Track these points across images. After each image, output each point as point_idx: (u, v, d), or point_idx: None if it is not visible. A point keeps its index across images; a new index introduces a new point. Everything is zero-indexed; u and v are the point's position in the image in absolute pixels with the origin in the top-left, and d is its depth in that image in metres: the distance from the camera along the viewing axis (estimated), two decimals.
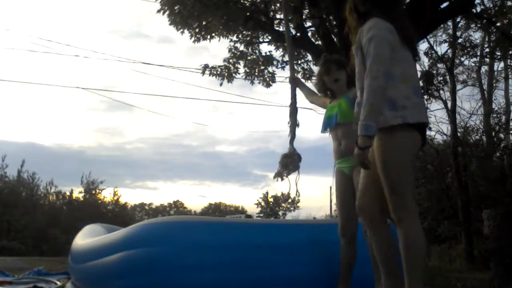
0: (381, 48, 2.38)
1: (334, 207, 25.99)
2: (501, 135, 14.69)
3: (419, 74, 12.53)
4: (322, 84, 3.55)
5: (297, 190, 3.69)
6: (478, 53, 14.51)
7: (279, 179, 3.68)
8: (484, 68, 16.17)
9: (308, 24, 8.93)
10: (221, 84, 10.24)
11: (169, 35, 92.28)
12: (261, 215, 50.43)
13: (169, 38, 77.51)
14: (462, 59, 14.60)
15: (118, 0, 54.33)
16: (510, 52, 12.16)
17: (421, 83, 11.65)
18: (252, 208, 53.23)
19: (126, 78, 62.48)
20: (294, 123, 3.82)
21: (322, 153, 42.52)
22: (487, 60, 15.39)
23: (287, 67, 10.87)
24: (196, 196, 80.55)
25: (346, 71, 3.43)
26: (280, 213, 52.71)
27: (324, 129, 3.43)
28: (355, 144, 2.40)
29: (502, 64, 16.28)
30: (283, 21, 9.54)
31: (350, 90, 3.34)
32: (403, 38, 2.50)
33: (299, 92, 3.93)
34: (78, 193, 22.95)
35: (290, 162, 3.68)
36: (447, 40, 13.72)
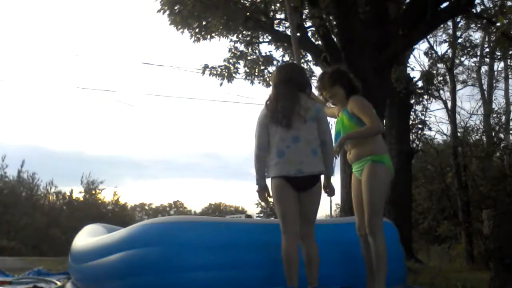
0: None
1: (334, 207, 26.00)
2: (501, 135, 14.70)
3: (419, 74, 12.56)
4: (324, 98, 3.71)
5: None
6: (478, 53, 14.51)
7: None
8: (484, 68, 16.20)
9: (308, 24, 8.93)
10: (221, 84, 10.24)
11: (171, 35, 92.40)
12: (261, 215, 50.40)
13: (171, 38, 77.51)
14: (462, 59, 14.61)
15: (119, 0, 54.34)
16: (510, 52, 12.16)
17: (421, 83, 11.67)
18: (252, 208, 53.23)
19: (128, 78, 62.41)
20: None
21: None
22: (487, 60, 15.40)
23: None
24: (197, 196, 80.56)
25: (341, 83, 3.51)
26: None
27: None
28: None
29: (502, 64, 16.30)
30: (287, 22, 9.59)
31: (349, 101, 3.46)
32: None
33: None
34: (78, 193, 22.93)
35: None
36: (447, 40, 13.73)
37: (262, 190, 3.31)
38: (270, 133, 3.23)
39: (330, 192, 3.35)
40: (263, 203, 3.25)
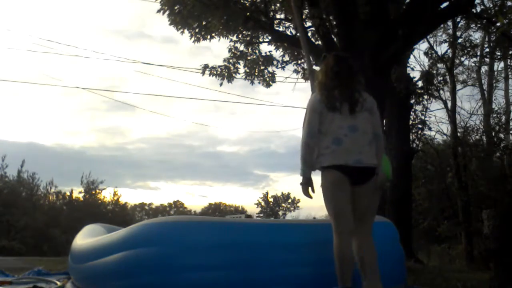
0: None
1: None
2: (501, 135, 14.70)
3: (419, 74, 12.57)
4: None
5: None
6: (478, 53, 14.51)
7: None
8: (484, 68, 16.18)
9: (308, 24, 8.93)
10: (221, 84, 10.25)
11: (172, 35, 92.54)
12: (261, 215, 50.46)
13: (172, 38, 77.55)
14: (462, 59, 14.61)
15: (120, 0, 54.31)
16: (510, 52, 12.16)
17: (421, 83, 11.67)
18: (252, 208, 53.25)
19: (128, 78, 62.36)
20: None
21: None
22: (487, 60, 15.39)
23: (287, 67, 10.89)
24: (197, 196, 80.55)
25: None
26: (280, 213, 52.74)
27: None
28: None
29: (502, 64, 16.29)
30: (287, 22, 9.57)
31: None
32: None
33: None
34: (78, 193, 22.96)
35: None
36: (447, 40, 13.73)
37: (307, 183, 3.13)
38: (323, 120, 3.07)
39: (380, 188, 3.18)
40: (305, 197, 3.18)
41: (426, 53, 13.49)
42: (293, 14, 7.15)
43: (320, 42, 8.42)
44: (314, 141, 3.09)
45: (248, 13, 8.58)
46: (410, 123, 11.16)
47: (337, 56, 3.28)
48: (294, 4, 4.96)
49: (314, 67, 9.95)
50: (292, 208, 54.25)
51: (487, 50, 14.52)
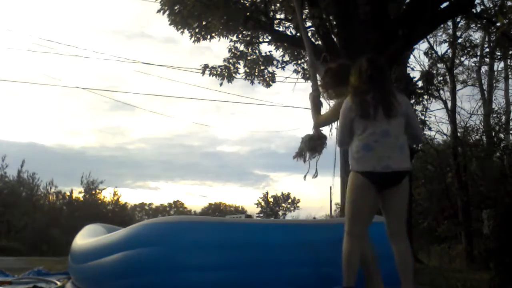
0: None
1: (334, 207, 26.00)
2: (501, 135, 14.69)
3: (419, 74, 12.56)
4: (328, 96, 3.66)
5: (316, 170, 3.76)
6: (478, 53, 14.51)
7: (300, 159, 3.70)
8: (484, 68, 16.17)
9: (308, 24, 8.93)
10: (221, 84, 10.24)
11: (172, 35, 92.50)
12: (261, 215, 50.46)
13: (173, 39, 77.53)
14: (462, 59, 14.61)
15: (120, 0, 54.34)
16: (510, 52, 12.15)
17: (421, 83, 11.67)
18: (252, 208, 53.25)
19: (128, 78, 62.44)
20: (318, 106, 3.78)
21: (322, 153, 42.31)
22: (487, 60, 15.39)
23: (287, 67, 10.89)
24: (197, 196, 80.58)
25: (347, 81, 3.33)
26: (280, 213, 52.75)
27: None
28: None
29: (502, 64, 16.28)
30: (287, 22, 9.57)
31: None
32: None
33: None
34: (78, 193, 22.96)
35: (318, 145, 3.75)
36: (447, 40, 13.73)
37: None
38: (355, 126, 3.07)
39: None
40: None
41: (426, 53, 13.52)
42: (294, 10, 7.15)
43: (320, 42, 8.42)
44: (345, 147, 3.24)
45: (248, 13, 8.57)
46: None
47: (371, 58, 3.20)
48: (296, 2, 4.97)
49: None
50: (292, 208, 54.27)
51: (487, 50, 14.53)
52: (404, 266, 3.02)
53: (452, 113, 14.08)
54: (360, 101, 3.04)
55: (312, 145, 3.73)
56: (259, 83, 10.75)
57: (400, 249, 3.04)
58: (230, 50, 10.29)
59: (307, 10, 8.23)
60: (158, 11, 8.40)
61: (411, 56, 13.36)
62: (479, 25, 11.70)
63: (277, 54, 10.62)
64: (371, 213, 3.09)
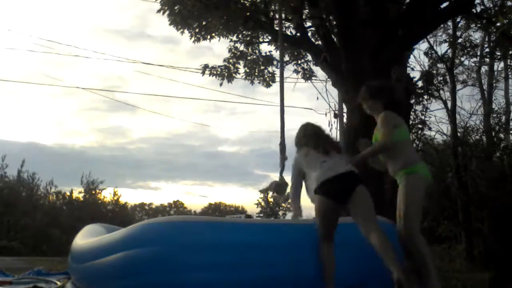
0: None
1: None
2: (501, 135, 14.67)
3: (419, 74, 12.55)
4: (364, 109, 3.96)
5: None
6: (478, 53, 14.49)
7: (265, 194, 4.32)
8: (484, 68, 16.14)
9: (308, 24, 8.93)
10: (221, 84, 10.24)
11: (172, 35, 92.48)
12: (261, 215, 50.41)
13: (173, 39, 77.50)
14: (462, 59, 14.59)
15: (120, 0, 54.27)
16: (510, 52, 12.14)
17: (421, 83, 11.66)
18: (252, 208, 53.20)
19: (128, 78, 62.35)
20: (283, 158, 5.08)
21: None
22: (487, 60, 15.37)
23: (287, 67, 10.87)
24: (197, 196, 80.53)
25: (379, 97, 3.68)
26: (280, 213, 52.70)
27: None
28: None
29: (502, 64, 16.24)
30: (287, 22, 9.58)
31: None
32: None
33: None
34: (78, 193, 22.96)
35: (280, 190, 5.05)
36: (447, 40, 13.71)
37: None
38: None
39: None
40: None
41: (426, 53, 13.49)
42: (294, 10, 7.21)
43: (320, 42, 8.42)
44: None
45: (248, 13, 8.56)
46: (410, 123, 11.15)
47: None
48: None
49: (313, 67, 9.93)
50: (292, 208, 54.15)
51: (487, 50, 14.51)
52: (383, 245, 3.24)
53: (452, 113, 14.06)
54: None
55: (278, 189, 5.05)
56: (259, 83, 10.74)
57: (374, 234, 3.28)
58: (230, 50, 10.28)
59: (307, 10, 8.23)
60: (158, 11, 8.40)
61: (411, 56, 13.36)
62: (479, 25, 11.69)
63: (277, 54, 10.61)
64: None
